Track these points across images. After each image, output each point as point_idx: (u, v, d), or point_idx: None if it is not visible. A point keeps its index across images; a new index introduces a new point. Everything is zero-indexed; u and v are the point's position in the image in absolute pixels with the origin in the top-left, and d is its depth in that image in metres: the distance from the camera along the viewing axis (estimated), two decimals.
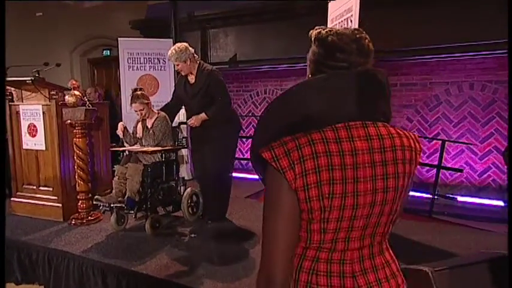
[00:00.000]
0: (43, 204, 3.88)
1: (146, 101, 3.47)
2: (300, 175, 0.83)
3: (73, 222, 3.69)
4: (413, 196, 4.48)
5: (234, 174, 6.05)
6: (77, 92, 3.64)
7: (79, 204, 3.72)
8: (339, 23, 3.18)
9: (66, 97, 3.60)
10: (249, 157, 6.36)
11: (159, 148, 3.46)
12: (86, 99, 3.72)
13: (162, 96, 5.14)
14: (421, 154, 0.97)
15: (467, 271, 1.63)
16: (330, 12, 3.44)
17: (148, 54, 5.38)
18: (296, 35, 5.56)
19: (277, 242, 0.86)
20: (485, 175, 4.81)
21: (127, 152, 3.57)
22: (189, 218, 3.58)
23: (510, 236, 1.68)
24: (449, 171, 4.76)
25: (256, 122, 5.91)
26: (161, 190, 3.47)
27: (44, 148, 3.85)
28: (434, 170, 5.07)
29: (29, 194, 3.98)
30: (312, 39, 0.96)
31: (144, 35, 6.48)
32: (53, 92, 3.73)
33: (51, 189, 3.86)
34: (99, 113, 3.98)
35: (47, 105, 3.78)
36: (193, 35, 6.28)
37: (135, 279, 2.67)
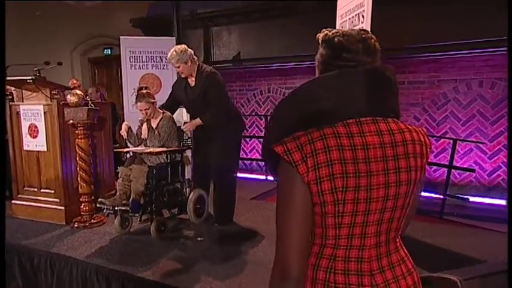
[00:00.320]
0: (45, 207, 3.78)
1: (152, 100, 3.40)
2: (313, 168, 0.85)
3: (76, 225, 3.60)
4: (421, 196, 4.39)
5: (238, 175, 6.04)
6: (79, 92, 3.54)
7: (82, 206, 3.64)
8: (349, 19, 3.09)
9: (68, 96, 3.50)
10: (252, 157, 6.42)
11: (164, 149, 3.37)
12: (89, 99, 3.62)
13: (165, 95, 5.00)
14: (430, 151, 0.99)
15: (498, 280, 1.53)
16: (339, 8, 3.34)
17: (151, 52, 5.29)
18: (301, 33, 5.49)
19: (291, 236, 0.86)
20: (494, 174, 4.73)
21: (131, 153, 3.48)
22: (195, 221, 3.49)
23: (510, 236, 1.68)
24: (458, 171, 4.67)
25: (265, 120, 5.87)
26: (166, 192, 3.38)
27: (45, 149, 3.76)
28: (442, 170, 5.00)
29: (30, 197, 3.89)
30: (319, 41, 0.98)
31: (146, 33, 6.39)
32: (54, 92, 3.64)
33: (52, 191, 3.77)
34: (101, 112, 3.89)
35: (48, 105, 3.68)
36: (196, 33, 6.19)
37: (141, 285, 2.57)
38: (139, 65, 5.29)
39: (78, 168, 3.61)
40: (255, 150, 6.55)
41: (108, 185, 4.15)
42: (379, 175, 0.87)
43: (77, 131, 3.57)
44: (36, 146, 3.81)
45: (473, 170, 4.33)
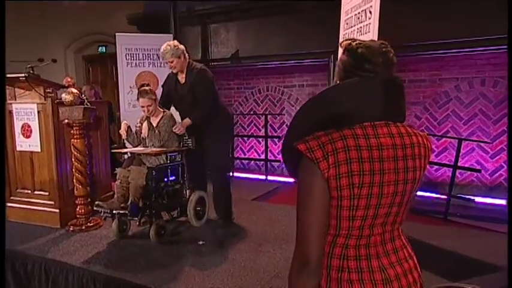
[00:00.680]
0: (39, 210, 3.65)
1: (154, 97, 3.34)
2: (333, 165, 0.93)
3: (71, 228, 3.48)
4: (422, 196, 4.34)
5: (236, 175, 5.96)
6: (74, 90, 3.42)
7: (77, 209, 3.52)
8: (355, 15, 2.99)
9: (63, 95, 3.38)
10: (250, 157, 6.29)
11: (164, 149, 3.27)
12: (84, 97, 3.50)
13: None
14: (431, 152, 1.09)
15: None
16: (343, 4, 3.24)
17: (148, 50, 5.18)
18: (301, 31, 5.43)
19: (311, 227, 0.95)
20: (496, 174, 4.68)
21: (129, 154, 3.37)
22: (196, 224, 3.38)
23: (510, 237, 1.69)
24: (459, 170, 4.62)
25: (264, 119, 5.75)
26: (166, 194, 3.27)
27: (39, 150, 3.63)
28: (443, 169, 4.95)
29: (24, 199, 3.75)
30: (342, 49, 1.08)
31: (142, 30, 6.26)
32: (48, 90, 3.50)
33: (47, 193, 3.64)
34: (98, 111, 3.76)
35: (42, 103, 3.55)
36: (193, 30, 6.07)
37: None
38: (135, 63, 5.18)
39: (73, 170, 3.50)
40: (253, 150, 6.45)
41: (104, 187, 4.04)
42: (390, 173, 0.97)
43: (72, 131, 3.46)
44: (29, 146, 3.68)
45: (479, 171, 4.26)
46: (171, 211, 3.40)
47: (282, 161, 1.10)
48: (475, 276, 2.65)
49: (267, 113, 6.09)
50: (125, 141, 3.51)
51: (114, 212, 3.01)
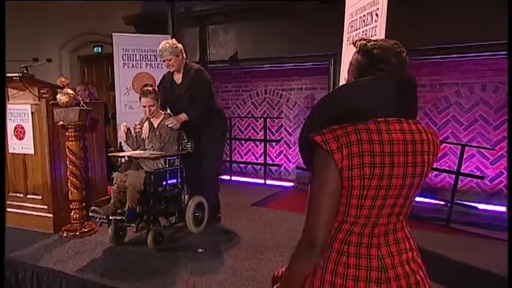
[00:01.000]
0: (31, 214, 3.55)
1: (157, 97, 3.28)
2: (347, 157, 0.99)
3: (65, 234, 3.37)
4: (422, 202, 4.29)
5: (234, 178, 5.87)
6: (70, 91, 3.32)
7: (72, 214, 3.42)
8: (360, 17, 2.94)
9: (58, 96, 3.28)
10: (247, 160, 6.20)
11: (162, 153, 3.18)
12: (80, 99, 3.40)
13: None
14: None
15: None
16: (347, 6, 3.18)
17: (145, 51, 5.10)
18: (301, 34, 5.37)
19: (321, 213, 1.01)
20: (496, 180, 4.64)
21: (126, 158, 3.27)
22: (194, 230, 3.29)
23: (510, 237, 1.75)
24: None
25: (263, 122, 5.64)
26: (164, 199, 3.17)
27: (32, 152, 3.53)
28: (443, 175, 4.91)
29: (16, 203, 3.64)
30: (357, 48, 1.13)
31: (139, 31, 6.15)
32: (43, 91, 3.41)
33: (40, 197, 3.54)
34: (93, 113, 3.67)
35: (36, 104, 3.46)
36: (191, 31, 5.98)
37: None
38: (132, 64, 5.09)
39: (68, 173, 3.40)
40: (250, 153, 6.37)
41: (100, 191, 3.94)
42: (399, 167, 1.02)
43: (67, 133, 3.36)
44: (22, 148, 3.58)
45: (482, 178, 4.21)
46: (169, 217, 3.31)
47: (298, 150, 1.16)
48: (477, 286, 2.61)
49: (265, 116, 6.02)
50: (123, 144, 3.41)
51: (110, 217, 2.91)
